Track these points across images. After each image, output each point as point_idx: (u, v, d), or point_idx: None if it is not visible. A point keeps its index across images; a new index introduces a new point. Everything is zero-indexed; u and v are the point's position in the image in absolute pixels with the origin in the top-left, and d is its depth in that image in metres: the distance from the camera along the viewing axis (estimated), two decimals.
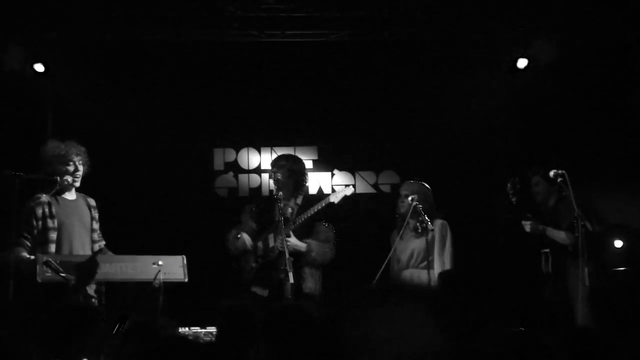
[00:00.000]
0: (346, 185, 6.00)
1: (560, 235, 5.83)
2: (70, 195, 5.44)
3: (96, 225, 5.53)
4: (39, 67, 6.96)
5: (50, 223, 5.26)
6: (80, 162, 5.40)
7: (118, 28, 6.87)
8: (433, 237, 5.78)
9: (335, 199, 5.75)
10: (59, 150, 5.34)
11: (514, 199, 5.81)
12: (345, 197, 5.83)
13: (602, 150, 7.23)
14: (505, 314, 6.46)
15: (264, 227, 5.84)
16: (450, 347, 1.49)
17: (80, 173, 5.40)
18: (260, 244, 5.78)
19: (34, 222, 5.23)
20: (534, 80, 7.28)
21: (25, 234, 5.19)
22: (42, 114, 7.16)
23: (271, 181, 6.22)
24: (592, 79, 7.20)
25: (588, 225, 5.54)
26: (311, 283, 5.70)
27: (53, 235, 5.25)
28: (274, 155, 7.64)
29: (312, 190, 7.74)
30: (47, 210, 5.28)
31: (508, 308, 6.52)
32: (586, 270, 5.28)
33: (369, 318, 1.51)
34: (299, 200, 5.82)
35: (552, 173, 5.59)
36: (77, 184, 5.43)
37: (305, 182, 5.96)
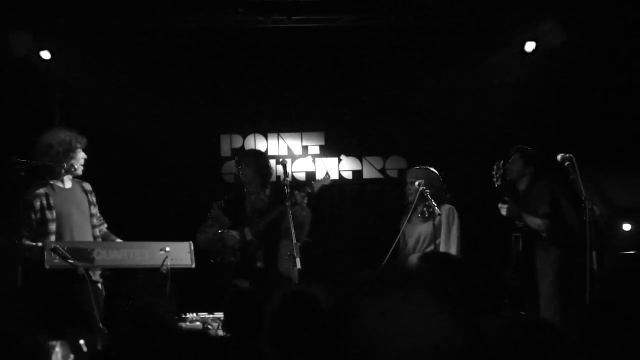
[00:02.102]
0: (326, 175, 6.18)
1: (536, 222, 5.79)
2: (67, 184, 5.42)
3: (94, 210, 5.51)
4: (45, 54, 6.95)
5: (48, 214, 5.24)
6: (79, 149, 5.40)
7: (124, 15, 6.87)
8: (440, 222, 5.79)
9: (313, 188, 5.94)
10: (71, 139, 5.33)
11: (497, 183, 5.81)
12: (324, 187, 6.06)
13: (611, 134, 7.18)
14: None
15: (236, 221, 5.99)
16: (464, 338, 1.44)
17: (74, 166, 5.39)
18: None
19: (32, 215, 5.21)
20: (543, 64, 7.23)
21: (24, 227, 5.15)
22: (49, 101, 7.16)
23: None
24: (602, 61, 7.14)
25: (595, 208, 5.51)
26: (287, 263, 5.74)
27: (52, 227, 5.23)
28: (281, 142, 7.69)
29: (319, 175, 7.73)
30: (44, 201, 5.25)
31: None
32: (594, 254, 5.26)
33: (377, 309, 1.46)
34: (268, 192, 5.98)
35: (559, 157, 5.55)
36: (80, 172, 5.45)
37: (271, 174, 6.23)
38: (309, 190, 5.87)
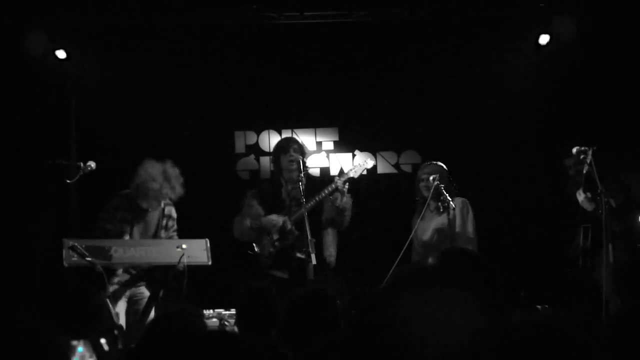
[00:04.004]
0: (366, 160, 5.93)
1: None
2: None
3: (164, 234, 5.61)
4: (61, 54, 7.00)
5: (126, 228, 5.44)
6: (167, 199, 5.50)
7: (138, 13, 6.89)
8: (454, 215, 5.77)
9: (354, 174, 5.71)
10: (147, 182, 5.39)
11: (587, 168, 5.63)
12: (366, 171, 5.84)
13: (629, 126, 7.13)
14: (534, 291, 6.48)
15: (272, 211, 5.79)
16: (495, 331, 1.48)
17: (160, 206, 5.53)
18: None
19: (117, 223, 5.42)
20: (558, 57, 7.19)
21: (109, 227, 5.40)
22: (64, 100, 7.21)
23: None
24: (616, 52, 7.09)
25: (612, 201, 5.48)
26: (332, 249, 5.73)
27: (127, 238, 5.42)
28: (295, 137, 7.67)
29: (334, 171, 7.74)
30: (124, 214, 5.46)
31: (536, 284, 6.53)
32: (610, 246, 5.24)
33: (416, 303, 1.51)
34: (305, 181, 5.81)
35: (575, 150, 5.52)
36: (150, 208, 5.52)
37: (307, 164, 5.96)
38: (351, 176, 5.68)
